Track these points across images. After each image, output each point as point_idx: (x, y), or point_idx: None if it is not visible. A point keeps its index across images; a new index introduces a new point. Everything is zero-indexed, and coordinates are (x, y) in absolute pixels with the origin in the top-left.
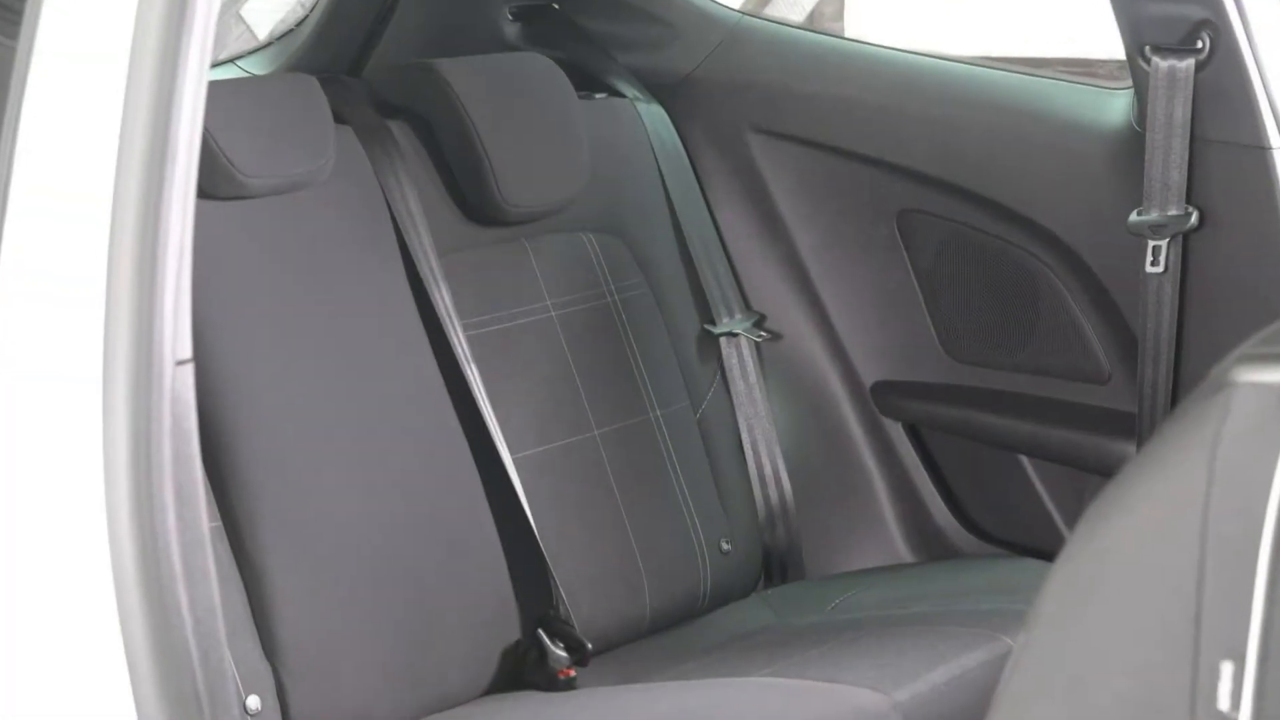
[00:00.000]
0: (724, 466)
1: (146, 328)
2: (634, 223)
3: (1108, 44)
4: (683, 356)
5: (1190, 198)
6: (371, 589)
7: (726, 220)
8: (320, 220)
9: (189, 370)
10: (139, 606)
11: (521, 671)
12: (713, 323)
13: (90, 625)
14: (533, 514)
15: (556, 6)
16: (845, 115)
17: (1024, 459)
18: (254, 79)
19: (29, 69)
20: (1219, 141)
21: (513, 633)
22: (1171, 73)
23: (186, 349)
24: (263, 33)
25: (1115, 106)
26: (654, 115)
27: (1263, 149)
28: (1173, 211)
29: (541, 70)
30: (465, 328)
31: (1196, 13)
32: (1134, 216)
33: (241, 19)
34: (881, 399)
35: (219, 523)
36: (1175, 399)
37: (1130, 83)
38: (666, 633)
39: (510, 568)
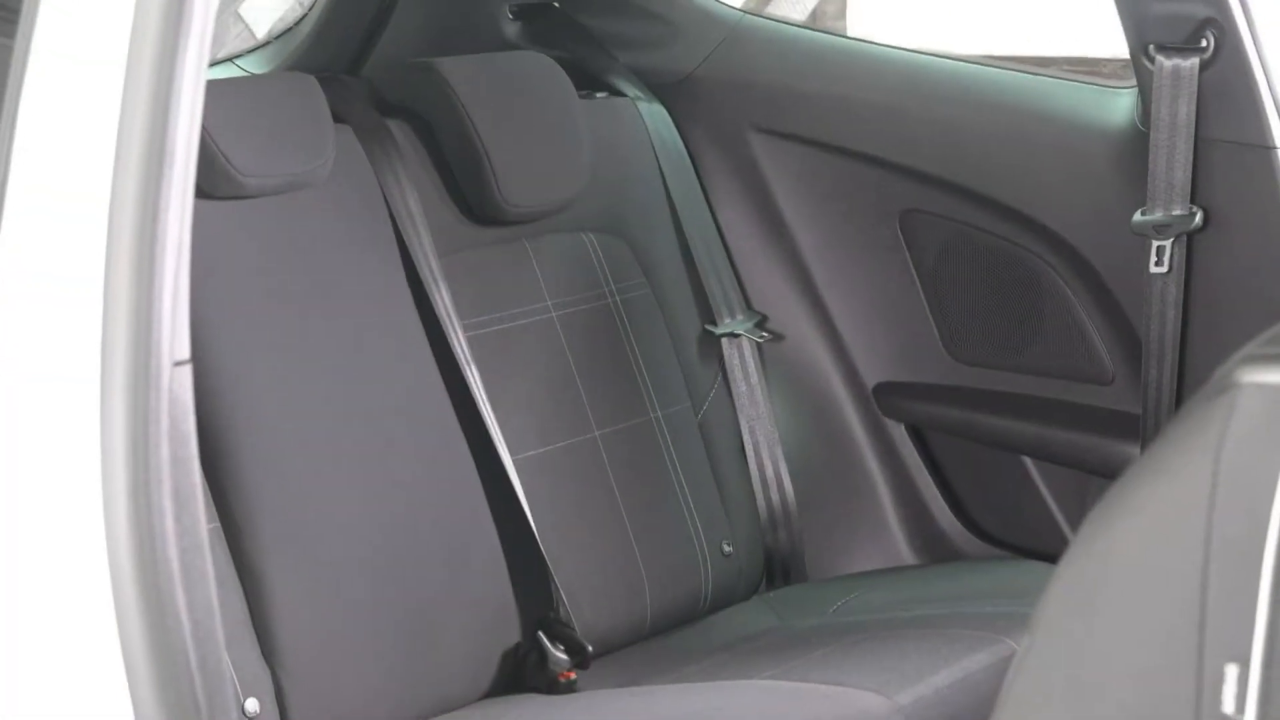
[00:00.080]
0: (725, 468)
1: (144, 328)
2: (635, 223)
3: (1112, 42)
4: (684, 357)
5: (1194, 197)
6: (371, 591)
7: (728, 220)
8: (319, 220)
9: (187, 371)
10: (137, 609)
11: (522, 674)
12: (714, 323)
13: (88, 628)
14: (533, 516)
15: (557, 5)
16: (847, 115)
17: (1027, 460)
18: (253, 78)
19: (26, 67)
20: (1223, 141)
21: (513, 635)
22: (1176, 72)
23: (185, 350)
24: (261, 31)
25: (1119, 106)
26: (655, 114)
27: (1267, 148)
28: (1177, 211)
29: (542, 69)
30: (465, 328)
31: (1201, 11)
32: (1138, 216)
33: (240, 17)
34: (884, 400)
35: (217, 525)
36: (1179, 400)
37: (1134, 82)
38: (668, 635)
39: (510, 570)
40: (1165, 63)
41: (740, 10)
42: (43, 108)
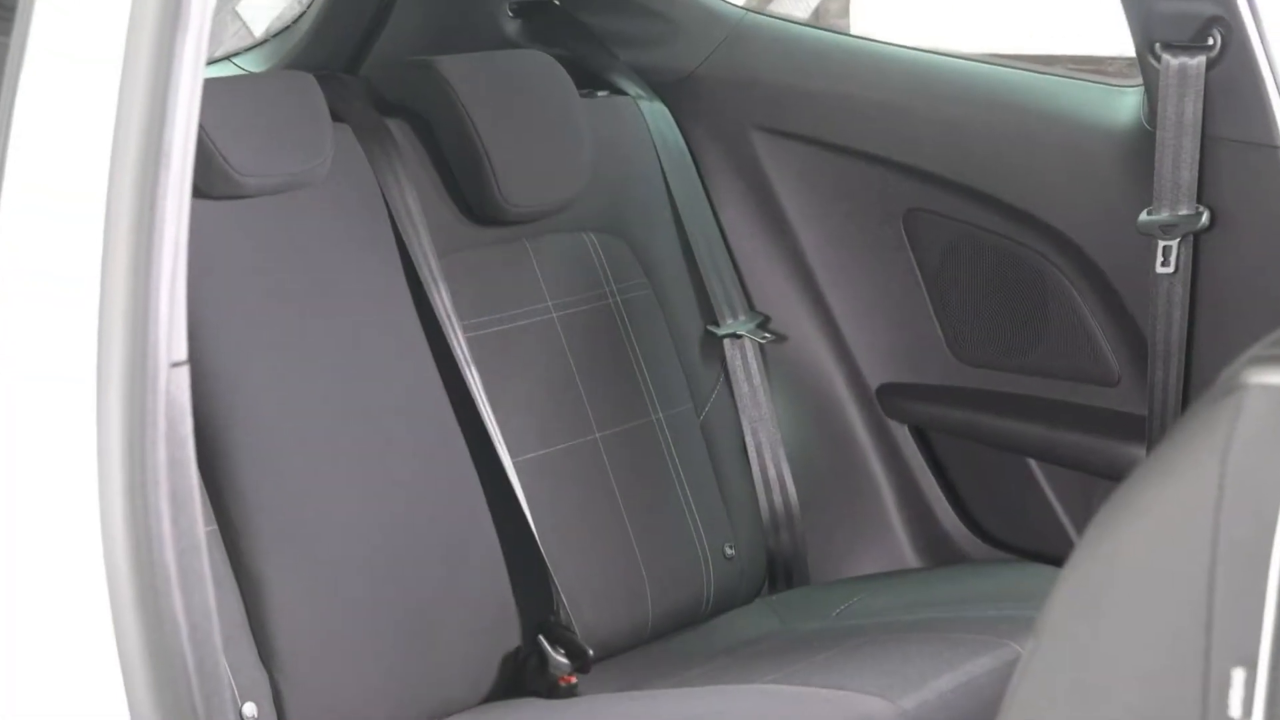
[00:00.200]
0: (727, 470)
1: (141, 329)
2: (636, 223)
3: (1117, 41)
4: (685, 358)
5: (1201, 197)
6: (370, 594)
7: (730, 220)
8: (318, 220)
9: (184, 372)
10: (133, 613)
11: (522, 678)
12: (716, 324)
13: (84, 632)
14: (533, 518)
15: (557, 3)
16: (850, 114)
17: (1032, 463)
18: (250, 76)
19: (22, 65)
20: (1230, 140)
21: (513, 639)
22: (1182, 70)
23: (182, 351)
24: (259, 29)
25: (1125, 105)
26: (657, 113)
27: (1275, 147)
28: (1183, 211)
29: (542, 68)
30: (465, 329)
31: (1208, 9)
32: (1144, 216)
33: (238, 15)
34: (887, 401)
35: (214, 527)
36: (1186, 402)
37: (1140, 80)
38: (669, 639)
39: (510, 573)
40: (1171, 61)
41: (742, 8)
42: (38, 106)
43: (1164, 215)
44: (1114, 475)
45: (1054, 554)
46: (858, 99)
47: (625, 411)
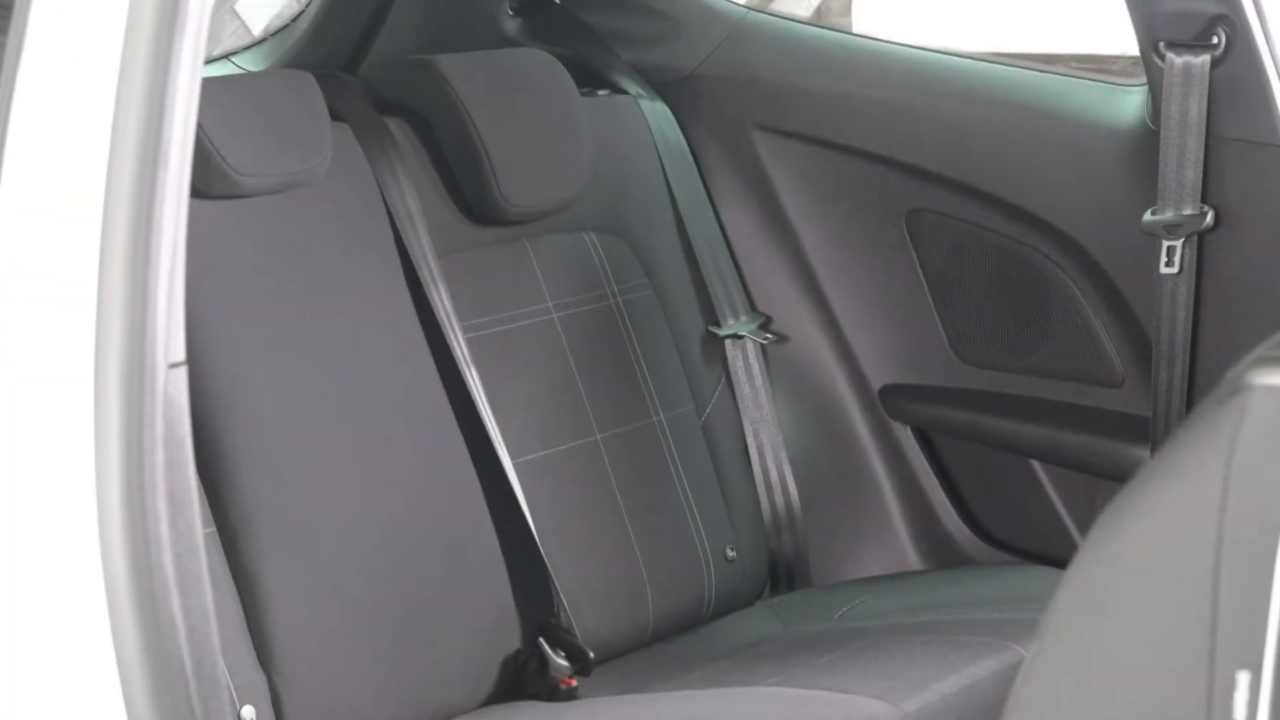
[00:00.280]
0: (729, 472)
1: (139, 330)
2: (637, 222)
3: (1121, 39)
4: (687, 359)
5: (1205, 197)
6: (369, 597)
7: (731, 220)
8: (316, 220)
9: (182, 373)
10: (131, 615)
11: (522, 681)
12: (717, 324)
13: (82, 634)
14: (533, 520)
15: (558, 1)
16: (853, 113)
17: (1036, 464)
18: (249, 75)
19: (18, 65)
20: (1235, 139)
21: (513, 641)
22: (1187, 69)
23: (180, 352)
24: (258, 28)
25: (1129, 104)
26: (657, 112)
27: (1279, 147)
28: (1187, 211)
29: (542, 66)
30: (464, 329)
31: (1212, 8)
32: (1148, 216)
33: (236, 14)
34: (890, 403)
35: (213, 529)
36: (1190, 403)
37: (1144, 79)
38: (670, 642)
39: (510, 575)
40: (1176, 60)
41: (744, 7)
42: (35, 105)
43: (1168, 215)
44: (1118, 477)
45: (1057, 556)
46: (860, 98)
47: (626, 412)
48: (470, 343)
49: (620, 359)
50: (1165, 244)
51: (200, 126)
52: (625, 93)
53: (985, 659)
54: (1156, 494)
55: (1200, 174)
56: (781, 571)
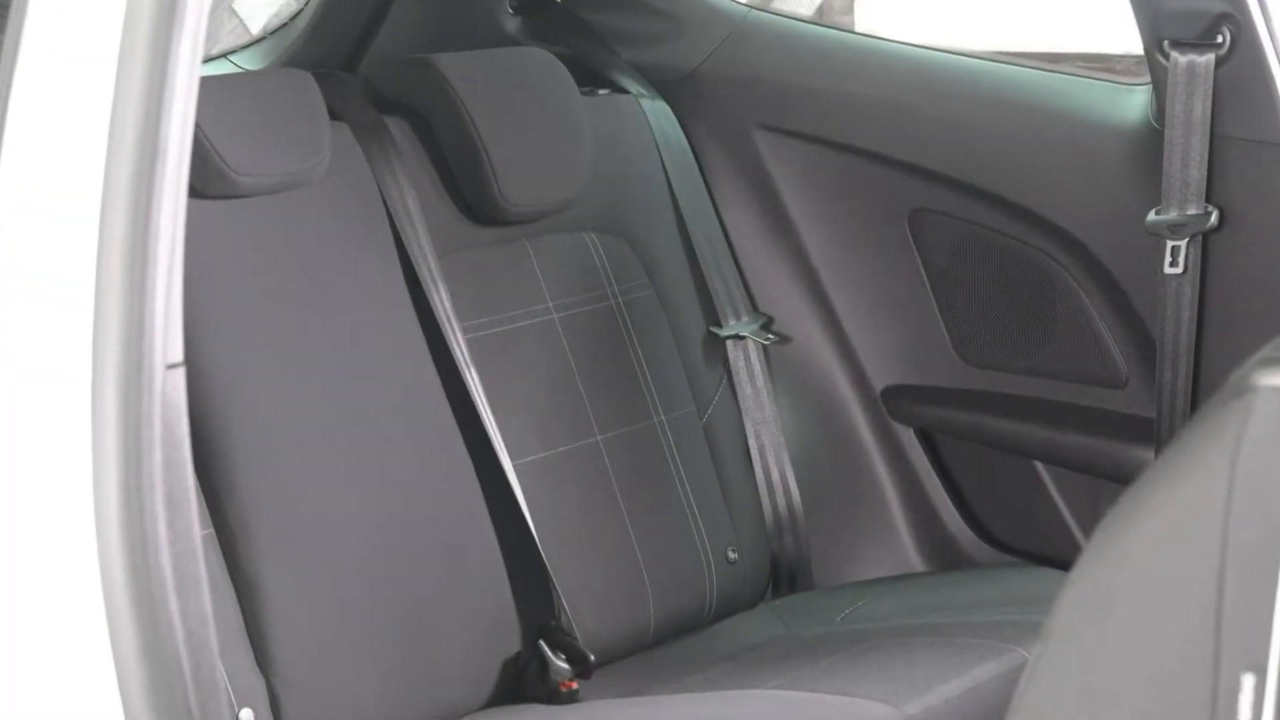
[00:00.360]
0: (730, 473)
1: (137, 330)
2: (638, 222)
3: (1125, 38)
4: (688, 360)
5: (1210, 196)
6: (368, 599)
7: (733, 220)
8: (315, 220)
9: (180, 374)
10: (129, 617)
11: (522, 684)
12: (719, 325)
13: (79, 636)
14: (534, 522)
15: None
16: (855, 112)
17: (1039, 465)
18: (247, 74)
19: (15, 64)
20: (1240, 139)
21: (513, 644)
22: (1191, 68)
23: (178, 353)
24: (256, 27)
25: (1133, 103)
26: (659, 112)
27: None
28: (1192, 211)
29: (543, 65)
30: (464, 330)
31: (1217, 6)
32: (1152, 216)
33: (235, 13)
34: (892, 404)
35: (211, 531)
36: (1195, 404)
37: (1148, 78)
38: (671, 644)
39: (510, 577)
40: (1180, 59)
41: (746, 5)
42: (32, 105)
43: (1172, 215)
44: (1122, 478)
45: (1061, 558)
46: (862, 97)
47: (627, 414)
48: (470, 343)
49: (621, 360)
50: (1169, 244)
51: (198, 126)
52: (626, 92)
53: (988, 661)
54: (1161, 496)
55: (1205, 174)
56: (783, 573)
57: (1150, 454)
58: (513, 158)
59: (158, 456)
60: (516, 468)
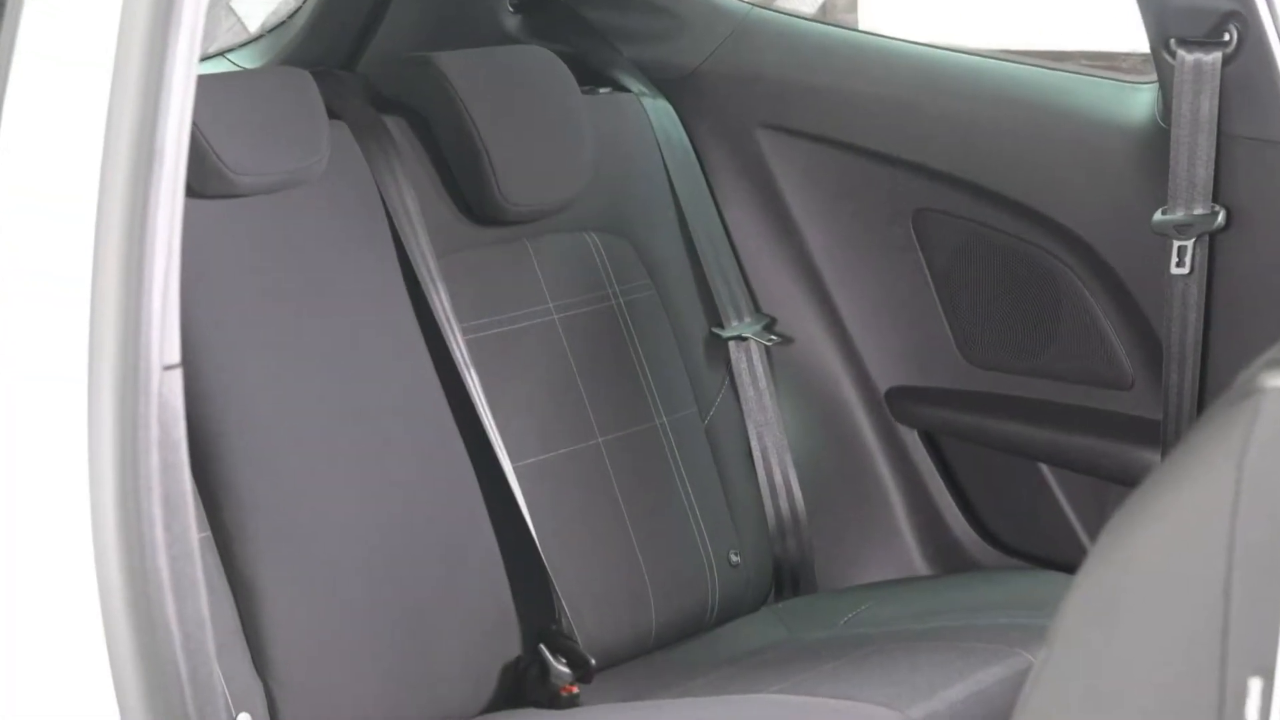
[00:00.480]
0: (733, 475)
1: (133, 331)
2: (639, 222)
3: (1131, 36)
4: (690, 361)
5: (1217, 196)
6: (367, 602)
7: (735, 219)
8: (314, 219)
9: (177, 375)
10: (125, 620)
11: (522, 688)
12: (721, 326)
13: (76, 640)
14: (534, 524)
15: None
16: (858, 111)
17: (1044, 468)
18: (245, 73)
19: (10, 63)
20: (1247, 138)
21: (513, 648)
22: (1198, 66)
23: (175, 354)
24: (254, 25)
25: (1139, 101)
26: (660, 111)
27: None
28: (1199, 210)
29: (543, 64)
30: (464, 331)
31: (1224, 4)
32: (1158, 216)
33: (232, 11)
34: (896, 405)
35: (208, 533)
36: (1201, 405)
37: (1154, 77)
38: (673, 648)
39: (510, 580)
40: (1187, 57)
41: (748, 3)
42: (28, 104)
43: (1179, 215)
44: (1128, 480)
45: (1066, 561)
46: (865, 95)
47: (628, 415)
48: (470, 344)
49: (622, 361)
50: (1176, 244)
51: (196, 125)
52: (627, 90)
53: (993, 665)
54: (1167, 498)
55: (1211, 173)
56: (786, 577)
57: (1156, 456)
58: (513, 157)
59: (154, 459)
60: (517, 469)
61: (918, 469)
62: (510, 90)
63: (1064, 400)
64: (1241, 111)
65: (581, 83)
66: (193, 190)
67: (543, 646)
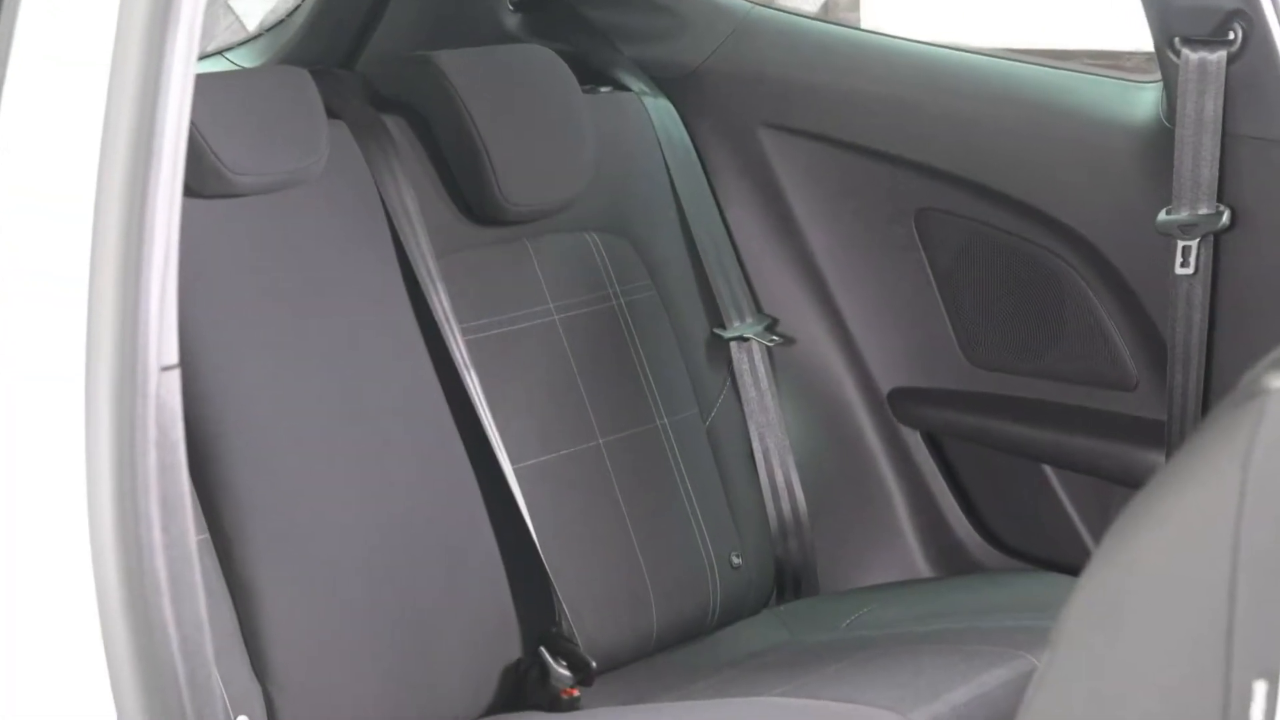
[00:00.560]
0: (734, 477)
1: (131, 332)
2: (640, 222)
3: (1135, 35)
4: (691, 362)
5: (1221, 196)
6: (366, 604)
7: (737, 219)
8: (313, 219)
9: (175, 376)
10: (123, 623)
11: (523, 691)
12: (722, 326)
13: (73, 642)
14: (534, 526)
15: None
16: (861, 110)
17: (1048, 469)
18: (243, 72)
19: (8, 62)
20: (1252, 137)
21: (513, 650)
22: (1202, 65)
23: (173, 355)
24: (252, 23)
25: (1143, 101)
26: (661, 110)
27: None
28: (1203, 210)
29: (543, 63)
30: (464, 331)
31: (1229, 3)
32: (1163, 215)
33: (230, 9)
34: (899, 406)
35: (206, 535)
36: (1206, 406)
37: (1159, 76)
38: (674, 651)
39: (511, 582)
40: (1191, 56)
41: (749, 2)
42: (25, 103)
43: (1183, 214)
44: (1132, 482)
45: (1070, 563)
46: (867, 94)
47: (629, 416)
48: (470, 344)
49: (623, 361)
50: (1180, 244)
51: (194, 124)
52: (628, 89)
53: (996, 668)
54: (1171, 500)
55: (1216, 172)
56: (788, 579)
57: (1161, 457)
58: (513, 157)
59: (152, 460)
60: (517, 471)
61: (920, 470)
62: (510, 89)
63: (1067, 401)
64: (1246, 111)
65: (582, 82)
66: (191, 190)
67: (543, 649)
